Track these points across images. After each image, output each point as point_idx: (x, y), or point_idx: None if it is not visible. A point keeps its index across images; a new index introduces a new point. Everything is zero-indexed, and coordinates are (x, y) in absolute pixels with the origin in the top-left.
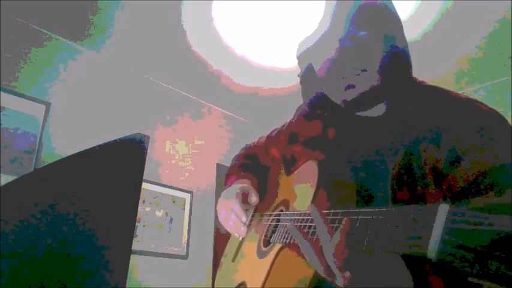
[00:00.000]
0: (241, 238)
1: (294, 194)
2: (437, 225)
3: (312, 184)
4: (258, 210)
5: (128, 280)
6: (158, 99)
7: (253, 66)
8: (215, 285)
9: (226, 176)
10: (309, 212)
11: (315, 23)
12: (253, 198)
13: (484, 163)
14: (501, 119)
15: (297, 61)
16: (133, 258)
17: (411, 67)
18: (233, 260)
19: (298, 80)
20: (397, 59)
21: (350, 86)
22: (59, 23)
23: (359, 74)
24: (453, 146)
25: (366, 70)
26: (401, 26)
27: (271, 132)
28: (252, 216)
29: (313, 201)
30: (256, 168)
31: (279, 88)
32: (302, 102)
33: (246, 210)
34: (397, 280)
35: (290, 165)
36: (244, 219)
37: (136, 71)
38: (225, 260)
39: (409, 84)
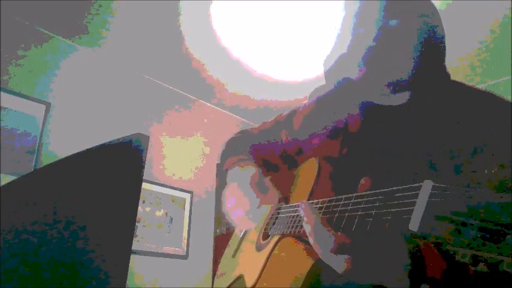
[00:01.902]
0: (241, 234)
1: (294, 189)
2: (420, 200)
3: (311, 179)
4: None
5: (128, 280)
6: (159, 99)
7: (255, 75)
8: (214, 282)
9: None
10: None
11: (335, 30)
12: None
13: (503, 156)
14: None
15: (324, 73)
16: (133, 258)
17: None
18: (233, 256)
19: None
20: (432, 48)
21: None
22: (58, 22)
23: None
24: (475, 137)
25: (403, 59)
26: (439, 15)
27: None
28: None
29: (311, 194)
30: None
31: (279, 95)
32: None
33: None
34: (393, 257)
35: (293, 161)
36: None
37: (138, 71)
38: (225, 257)
39: (438, 76)
